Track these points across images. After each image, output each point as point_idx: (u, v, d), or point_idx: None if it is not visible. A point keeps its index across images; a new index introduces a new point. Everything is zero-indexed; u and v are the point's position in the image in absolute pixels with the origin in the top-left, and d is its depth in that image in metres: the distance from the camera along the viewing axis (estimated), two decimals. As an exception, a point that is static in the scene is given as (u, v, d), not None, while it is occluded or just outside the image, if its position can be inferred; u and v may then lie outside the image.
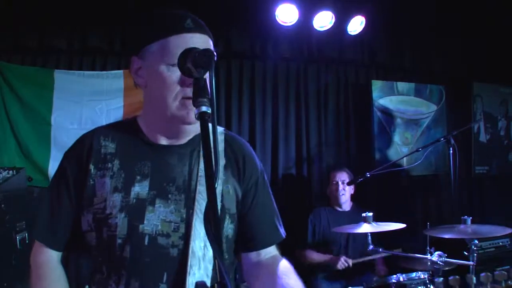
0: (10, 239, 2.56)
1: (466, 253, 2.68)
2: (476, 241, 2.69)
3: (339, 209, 3.62)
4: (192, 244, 1.12)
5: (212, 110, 0.92)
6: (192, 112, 1.04)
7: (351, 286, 3.16)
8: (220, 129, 1.30)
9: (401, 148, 4.43)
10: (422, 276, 2.87)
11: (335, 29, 3.96)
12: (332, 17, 3.88)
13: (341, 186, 3.56)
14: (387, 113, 4.39)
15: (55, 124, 3.55)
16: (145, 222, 1.13)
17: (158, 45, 1.14)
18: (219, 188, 1.20)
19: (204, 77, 0.99)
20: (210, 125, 0.91)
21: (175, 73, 1.11)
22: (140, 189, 1.16)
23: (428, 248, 2.68)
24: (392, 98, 4.42)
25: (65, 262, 1.26)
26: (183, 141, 1.24)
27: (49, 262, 1.22)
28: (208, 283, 1.12)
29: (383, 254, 3.22)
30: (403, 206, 4.36)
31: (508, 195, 4.53)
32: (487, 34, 4.32)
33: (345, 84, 4.44)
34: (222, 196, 1.21)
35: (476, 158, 4.71)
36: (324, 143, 4.30)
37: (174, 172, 1.19)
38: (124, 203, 1.14)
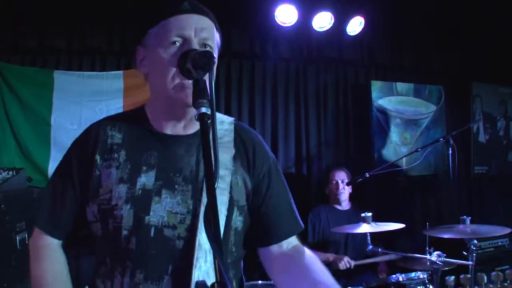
0: (10, 240, 2.56)
1: (465, 253, 2.69)
2: (475, 241, 2.69)
3: (339, 208, 3.63)
4: (199, 236, 1.11)
5: (212, 111, 0.92)
6: (191, 94, 1.04)
7: (351, 286, 3.17)
8: (230, 119, 1.30)
9: (400, 148, 4.43)
10: (421, 276, 2.87)
11: (335, 30, 3.97)
12: (332, 18, 3.89)
13: (341, 185, 3.58)
14: (386, 113, 4.40)
15: (55, 124, 3.55)
16: (151, 213, 1.12)
17: (156, 29, 1.17)
18: (227, 179, 1.19)
19: (204, 78, 0.99)
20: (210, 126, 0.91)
21: (170, 53, 1.12)
22: (146, 179, 1.14)
23: (427, 248, 2.68)
24: (391, 99, 4.43)
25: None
26: (191, 131, 1.22)
27: (49, 245, 1.22)
28: (214, 277, 1.11)
29: (385, 258, 3.24)
30: (402, 206, 4.37)
31: (507, 195, 4.54)
32: (487, 34, 4.32)
33: (345, 84, 4.45)
34: (230, 187, 1.19)
35: (475, 158, 4.72)
36: (323, 143, 4.31)
37: (181, 163, 1.18)
38: (130, 194, 1.13)
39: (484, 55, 4.48)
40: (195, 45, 1.13)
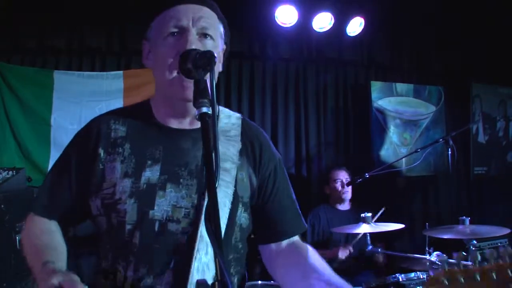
0: (10, 239, 2.56)
1: (465, 254, 2.69)
2: (475, 241, 2.70)
3: (339, 208, 3.63)
4: (201, 228, 1.10)
5: (213, 111, 0.92)
6: (189, 89, 1.05)
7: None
8: (237, 114, 1.31)
9: (400, 148, 4.44)
10: (421, 277, 2.87)
11: (335, 30, 3.98)
12: (332, 19, 3.90)
13: (344, 184, 3.57)
14: (386, 114, 4.40)
15: (54, 124, 3.56)
16: (155, 208, 1.12)
17: (156, 22, 1.18)
18: (233, 172, 1.19)
19: (205, 78, 0.99)
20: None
21: (168, 44, 1.12)
22: (151, 174, 1.14)
23: (427, 248, 2.69)
24: (391, 99, 4.43)
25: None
26: (197, 125, 1.19)
27: (42, 222, 1.21)
28: (214, 270, 1.11)
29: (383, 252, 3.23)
30: (402, 206, 4.37)
31: (507, 195, 4.54)
32: (486, 35, 4.33)
33: (344, 85, 4.46)
34: (236, 183, 1.19)
35: (475, 158, 4.73)
36: (323, 144, 4.31)
37: (187, 157, 1.17)
38: (134, 189, 1.12)
39: (484, 56, 4.49)
40: (193, 36, 1.12)
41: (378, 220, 3.13)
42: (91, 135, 1.20)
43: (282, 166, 1.34)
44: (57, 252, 1.14)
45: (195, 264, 1.08)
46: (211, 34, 1.16)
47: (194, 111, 1.14)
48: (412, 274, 2.88)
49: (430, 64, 4.64)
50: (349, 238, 3.47)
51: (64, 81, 3.61)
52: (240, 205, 1.21)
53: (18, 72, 3.55)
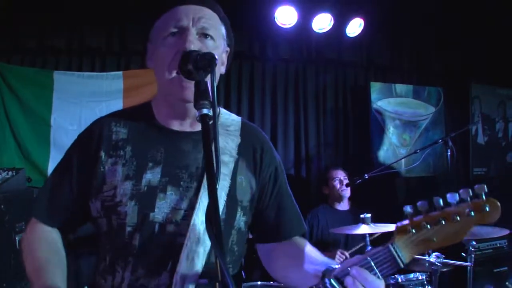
0: (10, 240, 2.56)
1: (464, 254, 2.69)
2: (474, 242, 2.70)
3: (338, 208, 3.64)
4: (194, 217, 1.11)
5: (214, 113, 0.92)
6: (188, 89, 1.06)
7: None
8: (237, 118, 1.31)
9: (399, 149, 4.44)
10: (420, 277, 2.88)
11: (334, 31, 3.98)
12: (331, 19, 3.90)
13: (343, 183, 3.58)
14: (386, 115, 4.41)
15: (54, 125, 3.56)
16: (155, 210, 1.12)
17: (158, 23, 1.19)
18: (230, 165, 1.19)
19: (206, 79, 0.99)
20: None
21: (168, 43, 1.13)
22: (152, 176, 1.14)
23: (426, 249, 2.69)
24: (391, 100, 4.44)
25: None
26: (198, 127, 1.19)
27: (43, 231, 1.21)
28: (204, 260, 1.11)
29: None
30: (401, 207, 4.37)
31: (506, 196, 4.51)
32: (486, 36, 4.34)
33: (344, 86, 4.46)
34: (235, 187, 1.19)
35: (474, 159, 4.73)
36: (322, 144, 4.32)
37: (187, 159, 1.17)
38: (135, 191, 1.12)
39: (483, 57, 4.50)
40: (193, 36, 1.12)
41: (354, 253, 3.18)
42: (93, 138, 1.19)
43: (282, 168, 1.35)
44: (57, 270, 1.14)
45: (184, 252, 1.09)
46: (211, 35, 1.16)
47: (194, 112, 1.14)
48: (411, 275, 2.89)
49: (429, 65, 4.64)
50: (349, 238, 3.47)
51: (64, 82, 3.62)
52: (239, 209, 1.21)
53: (18, 73, 3.55)
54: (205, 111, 0.91)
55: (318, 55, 4.27)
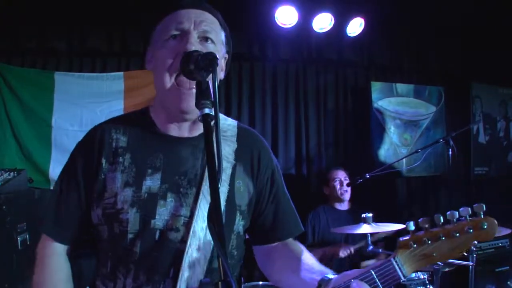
0: (11, 240, 2.56)
1: (466, 254, 2.68)
2: (475, 242, 2.69)
3: (339, 208, 3.63)
4: (194, 224, 1.12)
5: (216, 113, 0.92)
6: (185, 100, 1.08)
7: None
8: (233, 123, 1.31)
9: (400, 149, 4.44)
10: (421, 277, 2.88)
11: (335, 31, 3.98)
12: (332, 19, 3.90)
13: (344, 184, 3.58)
14: (386, 115, 4.41)
15: (55, 125, 3.56)
16: (156, 217, 1.12)
17: (159, 27, 1.19)
18: (228, 171, 1.20)
19: (207, 79, 0.99)
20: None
21: (168, 46, 1.13)
22: (152, 183, 1.14)
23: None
24: (391, 100, 4.44)
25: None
26: (196, 133, 1.22)
27: (53, 254, 1.21)
28: (205, 266, 1.12)
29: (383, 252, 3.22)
30: (402, 207, 4.37)
31: (507, 196, 4.54)
32: (486, 35, 4.33)
33: (344, 85, 4.46)
34: (233, 192, 1.20)
35: (475, 159, 4.73)
36: (323, 144, 4.32)
37: (186, 166, 1.18)
38: (136, 198, 1.13)
39: (484, 56, 4.49)
40: (194, 38, 1.13)
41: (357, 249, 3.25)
42: (94, 145, 1.19)
43: (279, 170, 1.35)
44: None
45: (186, 260, 1.09)
46: (212, 38, 1.17)
47: (192, 118, 1.17)
48: (413, 274, 2.89)
49: (430, 65, 4.64)
50: (349, 238, 3.47)
51: (65, 83, 3.62)
52: (238, 214, 1.22)
53: (19, 74, 3.56)
54: (206, 110, 0.91)
55: (319, 55, 4.27)
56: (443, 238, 1.15)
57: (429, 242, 1.15)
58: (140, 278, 1.11)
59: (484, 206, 1.21)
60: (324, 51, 4.26)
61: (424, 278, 2.86)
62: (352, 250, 3.24)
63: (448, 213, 1.17)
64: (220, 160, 0.88)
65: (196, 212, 1.13)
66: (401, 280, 1.09)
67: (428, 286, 2.84)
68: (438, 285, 2.63)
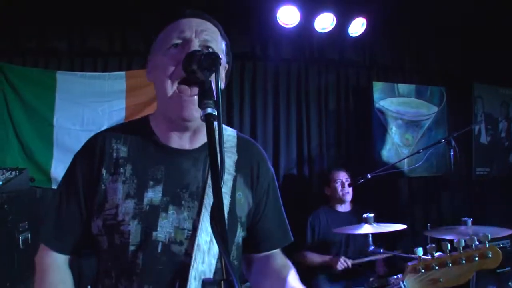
0: (13, 239, 2.57)
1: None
2: (477, 242, 2.69)
3: (339, 210, 3.63)
4: (198, 237, 1.12)
5: (218, 112, 0.91)
6: (187, 108, 1.08)
7: (352, 287, 3.17)
8: (233, 133, 1.31)
9: (401, 149, 4.43)
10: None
11: (336, 31, 3.98)
12: (334, 19, 3.90)
13: (345, 185, 3.57)
14: (388, 115, 4.40)
15: (57, 125, 3.56)
16: (158, 229, 1.12)
17: (160, 36, 1.19)
18: (229, 183, 1.20)
19: (210, 79, 0.99)
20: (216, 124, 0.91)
21: (170, 54, 1.13)
22: (154, 195, 1.14)
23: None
24: (393, 100, 4.43)
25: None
26: (197, 144, 1.22)
27: (52, 264, 1.19)
28: (211, 277, 1.13)
29: (383, 255, 3.23)
30: (404, 207, 4.37)
31: (509, 196, 4.54)
32: (487, 35, 4.33)
33: (346, 85, 4.46)
34: (234, 204, 1.20)
35: (477, 159, 4.72)
36: (325, 144, 4.31)
37: (187, 178, 1.17)
38: (137, 210, 1.12)
39: (485, 56, 4.49)
40: (196, 46, 1.12)
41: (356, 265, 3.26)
42: (95, 155, 1.18)
43: (275, 180, 1.36)
44: None
45: (192, 273, 1.10)
46: (213, 47, 1.17)
47: (194, 128, 1.17)
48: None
49: (432, 65, 4.63)
50: (350, 239, 3.47)
51: (67, 82, 3.62)
52: (239, 225, 1.22)
53: (21, 73, 3.56)
54: (209, 110, 0.90)
55: (321, 55, 4.27)
56: (450, 264, 1.22)
57: (437, 268, 1.22)
58: None
59: (489, 236, 1.29)
60: (326, 51, 4.26)
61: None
62: (350, 264, 3.24)
63: (455, 240, 1.25)
64: (222, 160, 0.87)
65: (200, 226, 1.13)
66: None
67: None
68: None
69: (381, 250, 2.84)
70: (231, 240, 1.20)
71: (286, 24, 3.85)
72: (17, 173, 2.86)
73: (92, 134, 1.26)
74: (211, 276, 1.13)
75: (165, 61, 1.13)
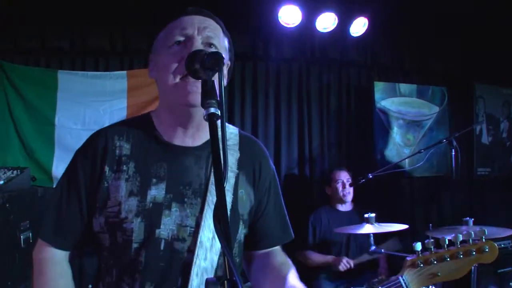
0: (14, 238, 2.57)
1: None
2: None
3: (340, 209, 3.63)
4: (200, 234, 1.12)
5: (221, 112, 0.91)
6: (193, 93, 1.07)
7: (353, 287, 3.17)
8: (235, 131, 1.30)
9: (403, 149, 4.43)
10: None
11: (338, 31, 3.97)
12: (335, 19, 3.89)
13: (346, 185, 3.57)
14: (389, 115, 4.40)
15: (58, 124, 3.56)
16: (161, 226, 1.12)
17: (162, 34, 1.20)
18: (231, 180, 1.20)
19: (213, 79, 0.98)
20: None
21: (173, 51, 1.13)
22: (157, 192, 1.14)
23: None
24: (394, 100, 4.43)
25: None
26: (199, 142, 1.22)
27: (51, 258, 1.19)
28: (212, 274, 1.13)
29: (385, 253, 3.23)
30: (405, 207, 4.36)
31: (510, 196, 4.53)
32: (489, 35, 4.32)
33: (347, 85, 4.45)
34: (236, 201, 1.21)
35: (478, 159, 4.71)
36: (326, 144, 4.31)
37: (190, 175, 1.17)
38: (141, 208, 1.12)
39: (487, 56, 4.48)
40: (198, 43, 1.13)
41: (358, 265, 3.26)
42: (97, 152, 1.17)
43: (276, 177, 1.36)
44: None
45: (194, 269, 1.10)
46: (215, 44, 1.17)
47: (197, 119, 1.16)
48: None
49: (433, 65, 4.63)
50: (351, 239, 3.47)
51: (68, 81, 3.62)
52: (241, 223, 1.23)
53: (22, 72, 3.56)
54: (212, 110, 0.90)
55: (322, 54, 4.26)
56: (448, 259, 1.25)
57: (435, 262, 1.25)
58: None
59: (485, 231, 1.33)
60: (328, 51, 4.25)
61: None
62: (352, 265, 3.25)
63: (452, 235, 1.29)
64: (226, 159, 0.87)
65: (202, 223, 1.13)
66: None
67: (430, 286, 2.83)
68: (440, 285, 2.63)
69: (382, 250, 2.84)
70: (233, 237, 1.20)
71: (288, 24, 3.84)
72: (19, 172, 2.86)
73: (93, 133, 1.26)
74: (213, 273, 1.13)
75: (168, 59, 1.13)
